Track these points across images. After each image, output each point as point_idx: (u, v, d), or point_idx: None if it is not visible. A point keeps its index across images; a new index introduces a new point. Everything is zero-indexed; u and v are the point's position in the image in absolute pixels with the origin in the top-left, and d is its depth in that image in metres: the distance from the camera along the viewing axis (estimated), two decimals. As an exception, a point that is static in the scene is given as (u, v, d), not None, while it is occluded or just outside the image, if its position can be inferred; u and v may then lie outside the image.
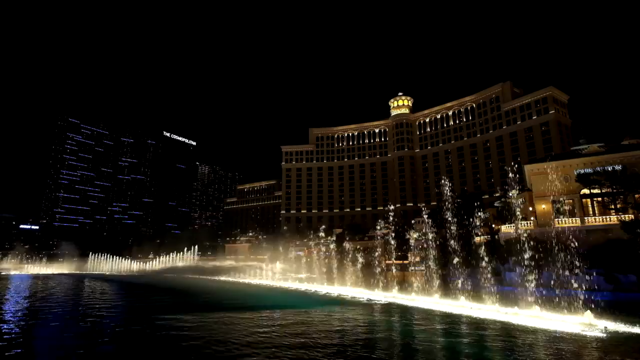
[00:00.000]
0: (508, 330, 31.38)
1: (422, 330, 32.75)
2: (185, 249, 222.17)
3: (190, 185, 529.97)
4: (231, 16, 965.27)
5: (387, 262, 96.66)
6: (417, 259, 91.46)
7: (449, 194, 69.27)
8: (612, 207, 75.90)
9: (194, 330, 32.55)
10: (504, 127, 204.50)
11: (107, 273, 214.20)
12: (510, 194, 74.85)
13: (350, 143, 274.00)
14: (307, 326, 34.66)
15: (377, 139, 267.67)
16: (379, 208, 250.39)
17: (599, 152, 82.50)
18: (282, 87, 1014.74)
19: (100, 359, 25.15)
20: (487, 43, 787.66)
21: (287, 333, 31.40)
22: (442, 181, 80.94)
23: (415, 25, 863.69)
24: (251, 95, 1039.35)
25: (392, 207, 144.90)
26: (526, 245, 45.06)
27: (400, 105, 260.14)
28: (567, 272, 39.86)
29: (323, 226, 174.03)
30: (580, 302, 35.56)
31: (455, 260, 55.88)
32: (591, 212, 79.80)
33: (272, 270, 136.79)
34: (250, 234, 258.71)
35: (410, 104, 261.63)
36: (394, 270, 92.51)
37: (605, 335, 28.55)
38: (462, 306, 44.08)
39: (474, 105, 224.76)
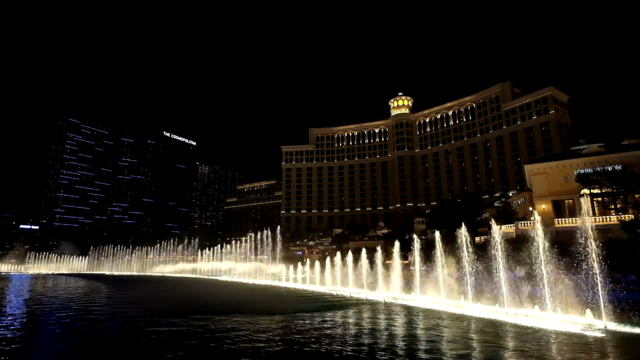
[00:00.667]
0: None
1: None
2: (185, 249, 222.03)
3: (190, 185, 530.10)
4: (231, 16, 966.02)
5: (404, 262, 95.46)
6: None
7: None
8: (612, 207, 76.00)
9: (194, 331, 32.47)
10: (504, 127, 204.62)
11: (107, 273, 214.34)
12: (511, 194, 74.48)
13: (350, 143, 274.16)
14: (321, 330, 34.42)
15: (377, 139, 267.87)
16: (379, 208, 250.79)
17: (599, 152, 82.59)
18: (282, 87, 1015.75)
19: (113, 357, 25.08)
20: (487, 43, 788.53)
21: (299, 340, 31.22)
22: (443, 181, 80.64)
23: (415, 26, 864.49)
24: (251, 96, 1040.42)
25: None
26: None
27: (400, 105, 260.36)
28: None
29: (323, 227, 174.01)
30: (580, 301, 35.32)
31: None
32: (591, 212, 79.92)
33: (272, 270, 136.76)
34: (250, 234, 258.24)
35: (410, 104, 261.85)
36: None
37: (607, 335, 28.40)
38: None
39: (474, 105, 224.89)
